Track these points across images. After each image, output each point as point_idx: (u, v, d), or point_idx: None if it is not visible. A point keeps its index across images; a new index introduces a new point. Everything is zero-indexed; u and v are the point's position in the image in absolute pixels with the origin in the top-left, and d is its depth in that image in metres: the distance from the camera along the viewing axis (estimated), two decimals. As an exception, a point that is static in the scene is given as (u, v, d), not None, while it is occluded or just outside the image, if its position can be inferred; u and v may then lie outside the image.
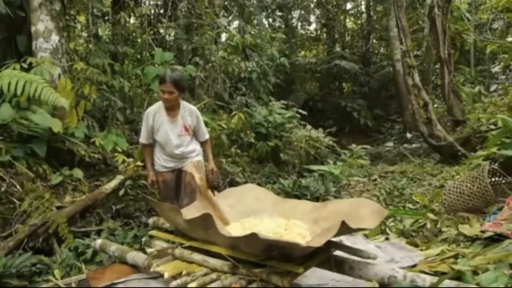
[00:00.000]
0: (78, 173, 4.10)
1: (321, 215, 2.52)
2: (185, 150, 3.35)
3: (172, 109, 3.28)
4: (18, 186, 3.54)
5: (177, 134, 3.30)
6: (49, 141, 4.01)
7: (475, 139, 7.56)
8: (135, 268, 2.47)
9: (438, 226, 3.59)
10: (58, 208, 3.57)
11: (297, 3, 17.18)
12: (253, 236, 1.88)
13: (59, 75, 4.43)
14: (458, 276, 2.10)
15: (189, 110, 3.37)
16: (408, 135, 11.98)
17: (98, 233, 3.60)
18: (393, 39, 12.14)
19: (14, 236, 3.13)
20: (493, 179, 3.90)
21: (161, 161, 3.38)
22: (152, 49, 6.24)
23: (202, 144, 3.53)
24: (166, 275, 2.08)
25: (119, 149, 4.50)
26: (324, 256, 2.23)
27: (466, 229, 3.21)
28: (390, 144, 12.85)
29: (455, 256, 2.63)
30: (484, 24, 12.48)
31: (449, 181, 4.70)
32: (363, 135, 14.58)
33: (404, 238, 3.43)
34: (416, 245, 3.18)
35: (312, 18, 18.57)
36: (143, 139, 3.38)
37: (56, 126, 3.86)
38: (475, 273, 2.16)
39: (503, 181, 3.91)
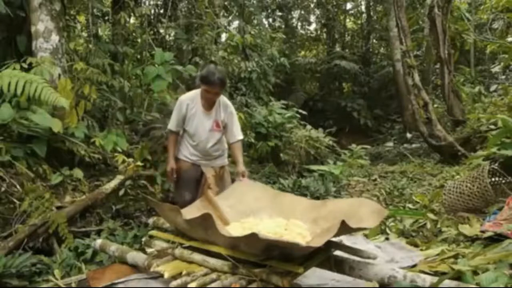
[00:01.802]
0: (78, 173, 4.09)
1: (321, 214, 2.52)
2: (210, 147, 3.23)
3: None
4: (18, 186, 3.54)
5: (208, 128, 3.19)
6: (49, 141, 4.00)
7: (475, 139, 7.56)
8: (135, 268, 2.47)
9: (438, 226, 3.58)
10: (58, 208, 3.56)
11: (297, 3, 17.17)
12: (253, 236, 1.88)
13: (59, 75, 4.42)
14: (458, 276, 2.10)
15: (223, 105, 3.23)
16: (408, 135, 11.98)
17: (98, 233, 3.60)
18: (393, 39, 12.13)
19: (14, 236, 3.13)
20: (493, 179, 3.90)
21: (185, 151, 3.28)
22: (152, 49, 6.23)
23: (233, 145, 3.31)
24: (166, 275, 2.08)
25: (119, 149, 4.49)
26: (324, 256, 2.23)
27: (466, 229, 3.21)
28: (390, 144, 12.84)
29: (455, 256, 2.63)
30: (484, 24, 12.46)
31: (449, 181, 4.70)
32: (363, 135, 14.56)
33: (404, 238, 3.43)
34: (416, 245, 3.18)
35: (312, 18, 18.58)
36: (172, 126, 3.27)
37: (56, 126, 3.86)
38: (475, 273, 2.16)
39: (503, 181, 3.91)
